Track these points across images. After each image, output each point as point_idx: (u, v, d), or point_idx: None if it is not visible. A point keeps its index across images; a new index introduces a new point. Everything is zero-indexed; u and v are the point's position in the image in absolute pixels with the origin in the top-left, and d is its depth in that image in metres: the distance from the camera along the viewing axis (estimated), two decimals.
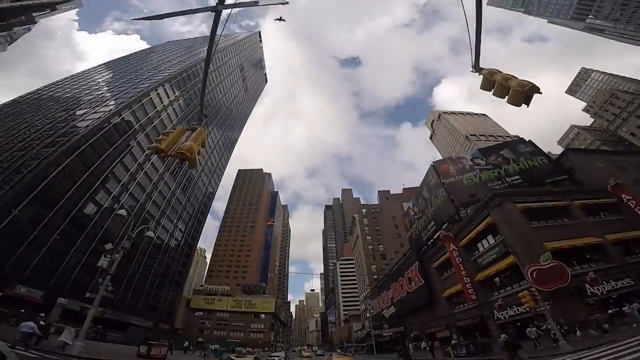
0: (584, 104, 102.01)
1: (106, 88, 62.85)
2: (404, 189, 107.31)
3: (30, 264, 37.59)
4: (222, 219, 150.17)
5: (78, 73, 77.64)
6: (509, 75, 6.85)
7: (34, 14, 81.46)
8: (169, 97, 65.63)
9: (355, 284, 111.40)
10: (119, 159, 50.02)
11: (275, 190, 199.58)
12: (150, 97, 59.10)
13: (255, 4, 9.81)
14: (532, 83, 6.28)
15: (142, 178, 56.87)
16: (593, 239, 24.78)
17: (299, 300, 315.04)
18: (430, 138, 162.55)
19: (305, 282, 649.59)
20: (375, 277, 76.71)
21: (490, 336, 25.12)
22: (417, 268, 40.45)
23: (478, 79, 7.43)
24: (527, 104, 6.17)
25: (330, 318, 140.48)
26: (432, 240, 40.49)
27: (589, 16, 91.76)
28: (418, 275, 39.93)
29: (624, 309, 18.38)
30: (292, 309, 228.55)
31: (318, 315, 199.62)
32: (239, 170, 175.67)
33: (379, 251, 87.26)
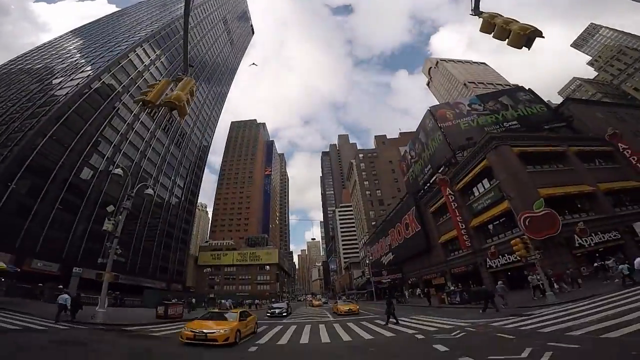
0: (588, 59, 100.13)
1: (79, 55, 60.31)
2: (400, 133, 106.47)
3: (39, 238, 38.84)
4: (220, 172, 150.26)
5: (45, 43, 73.47)
6: (510, 19, 6.49)
7: None
8: (149, 57, 63.84)
9: (355, 230, 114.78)
10: (106, 121, 49.93)
11: (271, 139, 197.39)
12: (130, 59, 57.58)
13: None
14: (534, 27, 6.02)
15: (133, 137, 57.07)
16: (586, 187, 25.15)
17: (301, 250, 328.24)
18: (428, 85, 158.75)
19: (306, 231, 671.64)
20: (373, 223, 78.63)
21: (483, 284, 26.59)
22: (414, 213, 41.32)
23: (477, 27, 7.04)
24: (529, 47, 5.94)
25: (332, 266, 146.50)
26: (428, 184, 40.89)
27: None
28: (415, 221, 40.93)
29: (607, 262, 18.92)
30: (295, 259, 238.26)
31: (320, 264, 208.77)
32: (232, 122, 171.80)
33: (376, 197, 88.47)
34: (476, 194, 30.26)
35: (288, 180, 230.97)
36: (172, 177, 70.98)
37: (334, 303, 32.49)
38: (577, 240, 22.26)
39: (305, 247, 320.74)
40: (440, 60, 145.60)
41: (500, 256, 25.87)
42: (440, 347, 8.33)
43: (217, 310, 17.43)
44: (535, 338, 7.59)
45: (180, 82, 7.39)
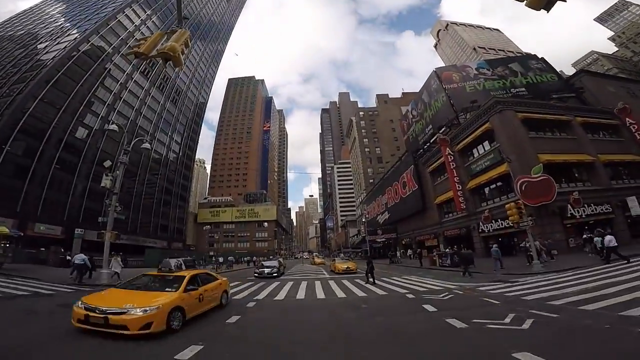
0: (610, 34, 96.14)
1: (64, 19, 58.87)
2: (403, 93, 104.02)
3: (39, 200, 40.00)
4: (217, 128, 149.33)
5: (25, 10, 70.36)
6: None
7: None
8: (140, 17, 62.22)
9: (352, 188, 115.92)
10: (98, 82, 49.74)
11: (270, 96, 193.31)
12: (119, 20, 56.50)
13: None
14: None
15: (127, 96, 57.00)
16: (587, 157, 25.30)
17: (299, 207, 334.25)
18: (435, 47, 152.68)
19: (304, 188, 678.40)
20: (371, 180, 79.23)
21: (473, 248, 27.60)
22: (412, 172, 41.64)
23: None
24: (548, 9, 5.51)
25: (329, 224, 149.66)
26: (428, 144, 40.85)
27: None
28: (412, 180, 41.37)
29: (591, 235, 18.94)
30: (293, 215, 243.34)
31: (317, 222, 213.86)
32: (230, 79, 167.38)
33: (375, 154, 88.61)
34: (475, 155, 30.32)
35: (287, 136, 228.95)
36: (169, 134, 70.84)
37: (331, 261, 32.58)
38: (570, 211, 22.77)
39: (303, 204, 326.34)
40: (451, 23, 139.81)
41: (493, 221, 26.51)
42: (429, 308, 8.86)
43: (154, 274, 9.48)
44: (519, 305, 8.04)
45: (175, 34, 7.09)
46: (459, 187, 30.93)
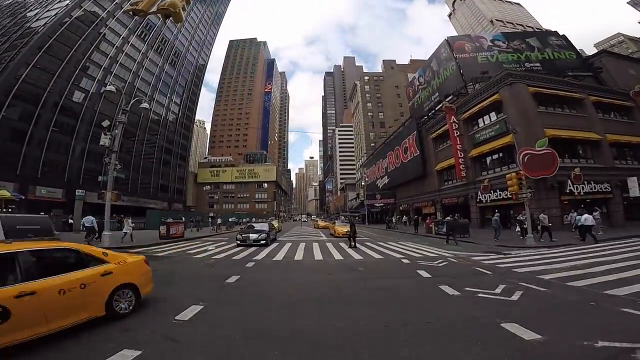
0: None
1: None
2: (410, 60, 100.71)
3: (39, 163, 40.75)
4: (217, 89, 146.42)
5: None
6: None
7: None
8: None
9: (353, 151, 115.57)
10: (93, 46, 49.05)
11: (272, 58, 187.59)
12: None
13: None
14: None
15: (124, 60, 56.17)
16: (594, 135, 25.03)
17: (299, 168, 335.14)
18: (449, 17, 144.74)
19: (304, 149, 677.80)
20: (372, 144, 78.99)
21: (470, 218, 27.96)
22: (414, 138, 41.41)
23: None
24: None
25: (328, 186, 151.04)
26: (433, 111, 40.33)
27: None
28: (414, 146, 41.27)
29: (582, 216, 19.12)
30: (292, 177, 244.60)
31: (317, 184, 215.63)
32: (231, 40, 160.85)
33: (378, 119, 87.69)
34: (480, 125, 29.90)
35: (288, 98, 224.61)
36: (168, 95, 70.05)
37: (331, 224, 31.87)
38: (569, 186, 22.85)
39: (303, 166, 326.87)
40: None
41: (491, 191, 26.65)
42: (424, 273, 9.15)
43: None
44: (509, 276, 8.26)
45: None
46: (460, 154, 30.82)
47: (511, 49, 34.56)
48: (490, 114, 28.76)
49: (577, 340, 3.91)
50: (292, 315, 5.45)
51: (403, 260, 12.17)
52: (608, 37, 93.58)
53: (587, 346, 3.72)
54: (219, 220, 35.00)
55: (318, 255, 14.14)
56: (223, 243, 18.90)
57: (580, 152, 25.64)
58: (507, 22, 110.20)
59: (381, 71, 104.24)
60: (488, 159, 29.16)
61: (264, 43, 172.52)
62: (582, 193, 23.18)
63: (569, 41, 34.93)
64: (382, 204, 51.30)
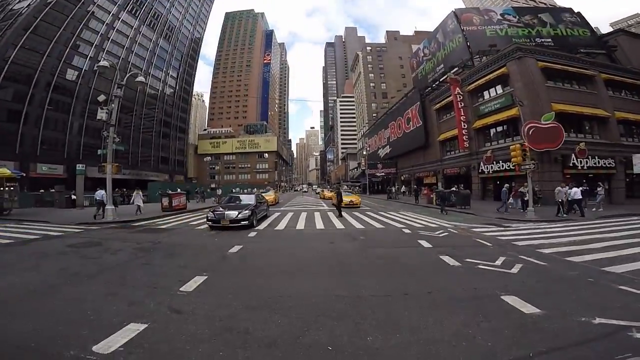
0: None
1: None
2: (415, 31, 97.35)
3: (37, 141, 41.53)
4: (215, 61, 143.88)
5: None
6: None
7: None
8: None
9: (354, 122, 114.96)
10: (82, 24, 48.11)
11: (270, 29, 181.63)
12: None
13: None
14: None
15: (116, 36, 55.37)
16: (602, 111, 24.61)
17: (300, 139, 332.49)
18: None
19: (305, 120, 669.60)
20: (374, 115, 78.29)
21: (471, 189, 27.97)
22: (417, 109, 41.07)
23: None
24: None
25: (329, 156, 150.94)
26: (437, 82, 39.66)
27: None
28: (417, 116, 40.99)
29: (586, 188, 18.25)
30: (293, 147, 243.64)
31: (317, 154, 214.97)
32: (227, 12, 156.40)
33: (380, 89, 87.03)
34: (486, 97, 29.40)
35: (288, 69, 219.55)
36: (164, 69, 69.26)
37: (333, 193, 31.77)
38: (573, 160, 22.76)
39: (304, 136, 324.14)
40: None
41: (494, 162, 26.61)
42: (425, 243, 9.26)
43: None
44: (509, 249, 8.30)
45: None
46: (464, 125, 30.53)
47: (522, 23, 33.37)
48: (496, 87, 28.27)
49: (575, 316, 3.94)
50: (294, 284, 5.53)
51: (404, 230, 12.30)
52: (626, 17, 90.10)
53: (585, 322, 3.75)
54: (219, 191, 34.96)
55: (319, 224, 14.31)
56: None
57: (587, 127, 25.37)
58: None
59: (384, 42, 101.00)
60: (492, 131, 28.95)
61: (262, 14, 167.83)
62: (585, 167, 23.10)
63: (584, 18, 33.62)
64: (383, 174, 51.43)
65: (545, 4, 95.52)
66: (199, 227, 13.37)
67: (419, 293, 5.02)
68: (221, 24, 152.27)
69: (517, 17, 34.13)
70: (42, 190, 27.50)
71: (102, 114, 15.34)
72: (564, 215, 15.24)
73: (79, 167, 24.32)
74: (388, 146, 53.21)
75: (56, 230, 11.69)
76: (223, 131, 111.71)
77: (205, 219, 13.49)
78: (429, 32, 52.58)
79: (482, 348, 3.22)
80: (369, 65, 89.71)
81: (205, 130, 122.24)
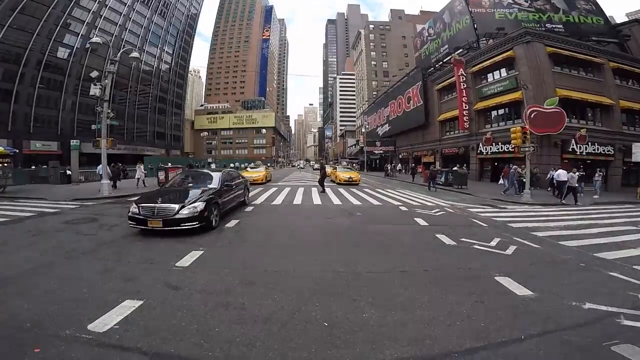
0: None
1: None
2: (421, 11, 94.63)
3: (29, 119, 41.52)
4: (212, 37, 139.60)
5: None
6: None
7: None
8: None
9: (354, 99, 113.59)
10: (72, 2, 46.48)
11: (270, 4, 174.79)
12: None
13: None
14: None
15: (108, 14, 53.69)
16: (607, 99, 24.31)
17: (298, 115, 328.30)
18: None
19: (304, 96, 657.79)
20: (374, 93, 77.61)
21: (469, 169, 28.00)
22: (419, 88, 40.64)
23: None
24: None
25: (327, 133, 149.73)
26: (441, 63, 38.98)
27: None
28: (418, 96, 40.64)
29: (582, 173, 18.29)
30: (291, 123, 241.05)
31: (316, 130, 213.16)
32: None
33: (382, 68, 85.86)
34: (490, 79, 29.06)
35: (288, 45, 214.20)
36: (160, 46, 67.82)
37: (332, 170, 29.22)
38: (572, 145, 22.75)
39: (302, 113, 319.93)
40: None
41: (493, 144, 26.58)
42: (421, 221, 9.35)
43: None
44: (504, 230, 8.38)
45: None
46: (465, 106, 30.28)
47: (533, 8, 32.09)
48: (501, 70, 27.91)
49: (566, 299, 4.00)
50: (291, 260, 5.56)
51: (401, 207, 12.38)
52: None
53: (575, 307, 3.81)
54: (212, 166, 34.76)
55: (317, 199, 14.35)
56: None
57: (589, 114, 25.16)
58: None
59: (388, 20, 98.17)
60: (493, 113, 28.84)
61: None
62: (584, 153, 23.13)
63: (599, 7, 32.33)
64: (381, 151, 51.39)
65: None
66: None
67: (415, 271, 5.08)
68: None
69: (529, 1, 32.82)
70: (36, 167, 27.30)
71: (95, 90, 15.01)
72: (561, 201, 15.15)
73: (74, 142, 23.81)
74: (387, 124, 52.83)
75: (52, 207, 11.52)
76: (220, 107, 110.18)
77: None
78: (434, 12, 51.26)
79: (476, 328, 3.26)
80: (371, 44, 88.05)
81: (202, 105, 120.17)
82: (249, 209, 11.36)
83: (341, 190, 18.56)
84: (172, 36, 72.66)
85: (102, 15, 52.07)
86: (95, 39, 16.16)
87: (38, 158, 36.69)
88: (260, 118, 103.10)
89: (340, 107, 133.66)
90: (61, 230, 7.90)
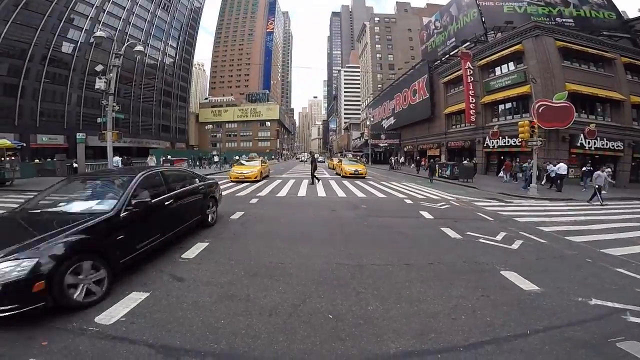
0: None
1: None
2: (427, 4, 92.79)
3: (35, 113, 41.90)
4: (216, 30, 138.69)
5: None
6: None
7: None
8: None
9: (358, 92, 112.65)
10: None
11: None
12: None
13: None
14: None
15: (112, 8, 53.79)
16: (617, 94, 23.79)
17: (302, 108, 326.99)
18: None
19: (308, 89, 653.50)
20: (379, 86, 76.93)
21: (475, 161, 27.80)
22: (425, 81, 40.13)
23: None
24: None
25: (331, 126, 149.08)
26: (447, 56, 38.49)
27: None
28: (424, 89, 40.18)
29: (590, 169, 17.92)
30: (296, 116, 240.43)
31: (320, 123, 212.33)
32: None
33: (387, 61, 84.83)
34: (497, 73, 28.72)
35: (292, 38, 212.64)
36: (164, 39, 67.83)
37: (337, 162, 28.68)
38: (580, 140, 22.38)
39: (307, 105, 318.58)
40: None
41: (500, 137, 26.31)
42: (426, 215, 9.32)
43: None
44: (510, 225, 8.32)
45: None
46: (472, 100, 29.94)
47: (543, 2, 31.31)
48: (509, 64, 27.55)
49: (572, 295, 3.97)
50: (296, 252, 5.57)
51: (406, 200, 12.35)
52: None
53: (582, 302, 3.79)
54: (216, 159, 35.10)
55: (321, 192, 14.36)
56: (226, 180, 19.12)
57: (599, 109, 24.74)
58: None
59: (394, 13, 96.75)
60: (500, 107, 28.54)
61: None
62: (592, 148, 22.76)
63: (611, 1, 31.44)
64: (386, 144, 51.12)
65: None
66: None
67: (420, 264, 5.07)
68: None
69: None
70: (44, 159, 27.61)
71: (100, 84, 15.06)
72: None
73: (79, 135, 24.06)
74: (392, 117, 52.45)
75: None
76: (225, 99, 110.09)
77: None
78: (441, 5, 50.24)
79: (481, 323, 3.26)
80: (377, 36, 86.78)
81: (206, 99, 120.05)
82: (254, 200, 11.35)
83: (345, 182, 18.55)
84: (176, 30, 72.66)
85: (105, 10, 52.12)
86: (99, 33, 16.22)
87: (45, 151, 37.26)
88: (265, 111, 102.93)
89: (345, 100, 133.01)
90: None
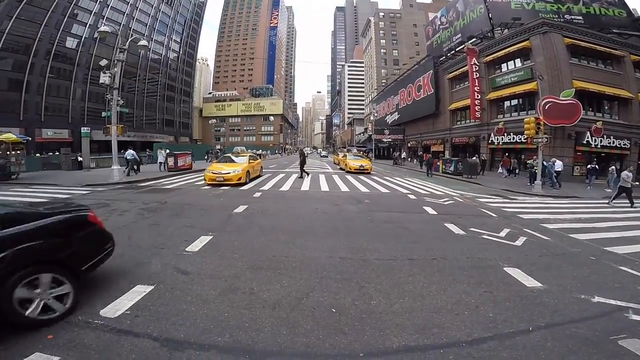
0: None
1: None
2: None
3: (40, 107, 42.21)
4: (220, 25, 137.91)
5: None
6: None
7: None
8: None
9: (362, 87, 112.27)
10: None
11: None
12: None
13: None
14: None
15: (115, 3, 53.49)
16: (625, 92, 23.47)
17: (306, 102, 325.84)
18: None
19: (312, 84, 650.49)
20: (384, 81, 76.12)
21: (479, 158, 27.63)
22: (430, 77, 39.74)
23: None
24: None
25: (335, 121, 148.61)
26: (453, 52, 38.02)
27: None
28: (429, 84, 39.82)
29: (595, 166, 18.18)
30: (299, 111, 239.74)
31: (323, 118, 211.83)
32: None
33: (392, 56, 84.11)
34: (503, 69, 28.39)
35: (295, 33, 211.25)
36: (167, 34, 67.95)
37: (342, 157, 27.78)
38: (587, 138, 22.12)
39: (310, 100, 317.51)
40: None
41: (505, 134, 26.11)
42: (430, 210, 9.33)
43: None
44: (514, 221, 8.29)
45: None
46: (477, 96, 29.67)
47: None
48: (515, 60, 27.22)
49: (575, 293, 3.97)
50: (299, 246, 5.59)
51: (409, 195, 12.33)
52: None
53: (584, 300, 3.78)
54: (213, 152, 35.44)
55: (324, 186, 14.37)
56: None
57: (606, 107, 24.40)
58: None
59: (399, 8, 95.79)
60: (506, 103, 28.25)
61: None
62: (598, 146, 22.50)
63: (623, 0, 30.94)
64: (390, 140, 50.83)
65: None
66: (204, 187, 13.45)
67: (424, 259, 5.08)
68: None
69: None
70: (50, 153, 27.85)
71: (104, 78, 15.10)
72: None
73: (84, 129, 24.13)
74: (397, 113, 52.14)
75: (64, 192, 11.64)
76: (228, 94, 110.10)
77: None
78: (447, 0, 49.68)
79: (484, 318, 3.27)
80: (381, 32, 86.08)
81: (210, 93, 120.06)
82: (257, 194, 11.37)
83: (349, 177, 18.53)
84: (180, 25, 72.67)
85: (109, 5, 52.17)
86: (103, 28, 16.27)
87: (50, 145, 37.67)
88: (268, 105, 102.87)
89: (349, 95, 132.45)
90: None
